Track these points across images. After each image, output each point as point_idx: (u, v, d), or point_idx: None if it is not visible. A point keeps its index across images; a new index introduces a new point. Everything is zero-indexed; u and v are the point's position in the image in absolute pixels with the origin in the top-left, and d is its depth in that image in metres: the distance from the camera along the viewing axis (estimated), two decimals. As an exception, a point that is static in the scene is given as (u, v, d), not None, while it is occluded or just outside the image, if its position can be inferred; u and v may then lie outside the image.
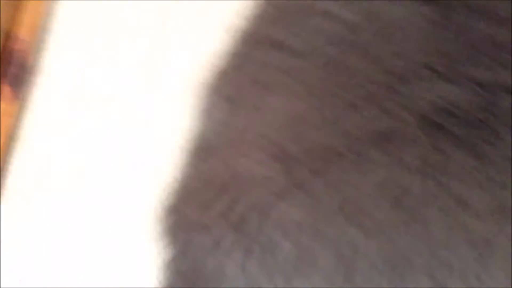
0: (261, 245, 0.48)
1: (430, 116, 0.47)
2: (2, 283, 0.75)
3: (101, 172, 0.90)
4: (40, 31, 1.00)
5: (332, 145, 0.48)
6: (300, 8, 0.58)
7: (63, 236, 0.82)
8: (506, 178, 0.44)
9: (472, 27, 0.50)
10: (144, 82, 0.99)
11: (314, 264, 0.46)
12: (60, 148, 1.09)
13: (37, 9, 0.93)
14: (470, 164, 0.44)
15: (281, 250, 0.47)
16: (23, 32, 0.89)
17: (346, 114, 0.49)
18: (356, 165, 0.46)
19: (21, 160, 0.89)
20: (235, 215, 0.50)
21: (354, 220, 0.45)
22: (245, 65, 0.59)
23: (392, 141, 0.46)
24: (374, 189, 0.45)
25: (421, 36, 0.51)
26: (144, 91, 0.99)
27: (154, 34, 1.04)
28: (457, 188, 0.44)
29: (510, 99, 0.47)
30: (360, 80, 0.50)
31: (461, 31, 0.50)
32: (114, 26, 1.04)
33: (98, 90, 1.01)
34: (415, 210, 0.43)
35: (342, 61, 0.52)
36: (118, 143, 0.94)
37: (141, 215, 0.71)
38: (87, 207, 0.85)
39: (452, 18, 0.51)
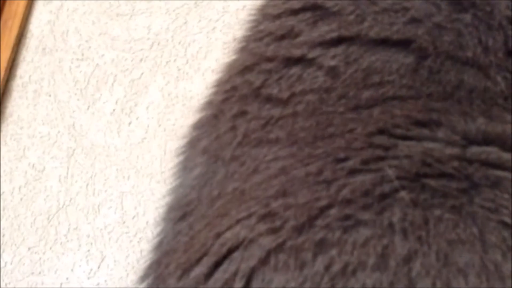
0: None
1: (409, 170, 0.47)
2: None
3: (78, 218, 0.91)
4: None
5: (316, 200, 0.47)
6: (279, 56, 0.56)
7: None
8: (485, 232, 0.44)
9: (443, 70, 0.51)
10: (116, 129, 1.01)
11: None
12: (37, 190, 1.11)
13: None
14: (448, 218, 0.44)
15: None
16: None
17: (329, 169, 0.48)
18: (341, 221, 0.46)
19: None
20: (214, 282, 0.48)
21: (340, 283, 0.44)
22: (222, 115, 0.57)
23: (374, 197, 0.46)
24: (359, 249, 0.44)
25: (396, 79, 0.51)
26: (118, 137, 1.01)
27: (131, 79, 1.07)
28: (437, 244, 0.44)
29: (481, 148, 0.48)
30: (340, 130, 0.50)
31: (433, 75, 0.51)
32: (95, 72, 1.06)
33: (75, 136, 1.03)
34: (399, 269, 0.43)
35: (321, 108, 0.52)
36: (97, 188, 0.95)
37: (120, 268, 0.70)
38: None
39: (425, 63, 0.51)
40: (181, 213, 0.56)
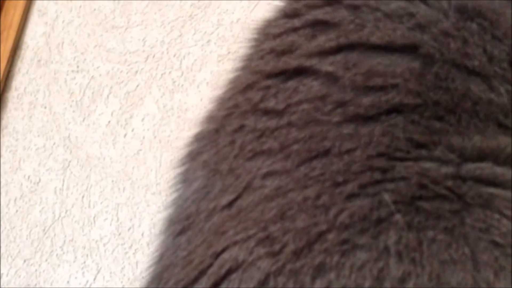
0: None
1: (405, 193, 0.47)
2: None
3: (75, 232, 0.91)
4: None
5: (314, 225, 0.47)
6: (276, 70, 0.56)
7: None
8: (476, 251, 0.45)
9: (449, 77, 0.51)
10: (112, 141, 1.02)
11: None
12: (32, 202, 1.11)
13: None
14: (441, 239, 0.45)
15: None
16: None
17: (327, 193, 0.48)
18: (339, 246, 0.46)
19: None
20: None
21: None
22: (223, 130, 0.57)
23: (371, 222, 0.47)
24: (356, 272, 0.45)
25: (401, 83, 0.50)
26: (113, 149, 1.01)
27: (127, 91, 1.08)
28: (430, 265, 0.45)
29: (475, 164, 0.48)
30: (337, 149, 0.50)
31: (440, 82, 0.50)
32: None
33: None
34: None
35: (315, 117, 0.51)
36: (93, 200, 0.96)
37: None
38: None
39: (431, 69, 0.51)
40: (180, 226, 0.56)
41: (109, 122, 1.15)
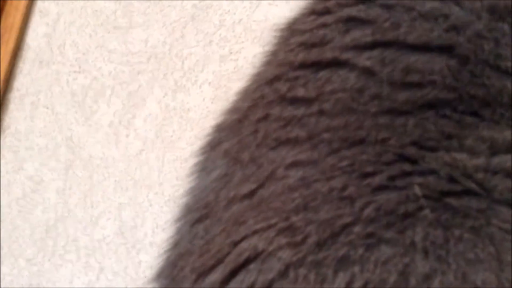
0: None
1: (434, 187, 0.47)
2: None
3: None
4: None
5: (339, 217, 0.47)
6: (307, 61, 0.55)
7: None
8: (501, 251, 0.45)
9: (484, 76, 0.51)
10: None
11: None
12: (35, 202, 1.12)
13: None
14: (467, 238, 0.45)
15: None
16: None
17: (354, 184, 0.48)
18: (363, 239, 0.46)
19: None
20: None
21: None
22: (246, 120, 0.56)
23: (398, 216, 0.46)
24: (380, 267, 0.45)
25: (439, 79, 0.51)
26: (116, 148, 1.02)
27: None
28: (457, 263, 0.45)
29: (506, 156, 0.48)
30: (373, 137, 0.49)
31: (476, 78, 0.51)
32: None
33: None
34: (419, 287, 0.44)
35: (351, 106, 0.51)
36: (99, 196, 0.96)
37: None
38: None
39: (467, 67, 0.51)
40: (198, 215, 0.55)
41: (111, 122, 1.15)
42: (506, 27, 0.52)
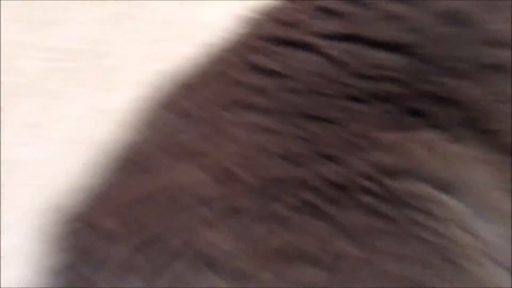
0: (173, 275, 0.43)
1: (370, 175, 0.49)
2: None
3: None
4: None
5: (288, 178, 0.47)
6: (274, 35, 0.59)
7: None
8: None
9: (438, 75, 0.55)
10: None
11: None
12: None
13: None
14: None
15: (195, 281, 0.43)
16: None
17: (306, 153, 0.49)
18: (298, 203, 0.46)
19: None
20: (149, 234, 0.46)
21: (295, 261, 0.43)
22: (212, 82, 0.58)
23: (341, 194, 0.47)
24: (304, 235, 0.44)
25: (393, 75, 0.55)
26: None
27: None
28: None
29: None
30: (343, 116, 0.52)
31: (427, 78, 0.55)
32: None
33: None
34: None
35: (318, 91, 0.54)
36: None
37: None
38: None
39: (423, 65, 0.55)
40: (138, 167, 0.54)
41: (31, 122, 1.11)
42: (465, 30, 0.56)
